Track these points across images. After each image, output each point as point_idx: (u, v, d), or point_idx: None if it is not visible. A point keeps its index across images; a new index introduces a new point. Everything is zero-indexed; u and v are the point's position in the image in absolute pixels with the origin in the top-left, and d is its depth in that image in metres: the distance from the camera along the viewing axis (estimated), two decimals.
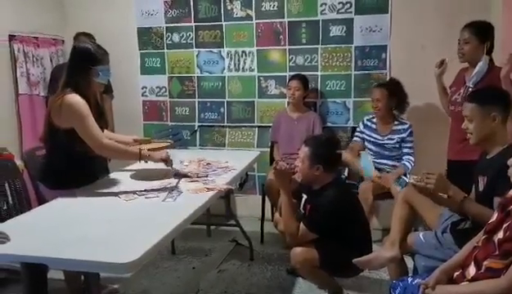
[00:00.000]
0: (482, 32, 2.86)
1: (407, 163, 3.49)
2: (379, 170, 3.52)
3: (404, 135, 3.54)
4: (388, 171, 3.53)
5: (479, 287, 1.66)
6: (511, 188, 1.75)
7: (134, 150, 2.55)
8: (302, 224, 2.53)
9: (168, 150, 2.66)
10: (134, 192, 2.38)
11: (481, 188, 2.17)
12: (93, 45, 2.50)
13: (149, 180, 2.59)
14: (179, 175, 2.65)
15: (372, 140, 3.65)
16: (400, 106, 3.59)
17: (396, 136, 3.56)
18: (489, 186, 2.10)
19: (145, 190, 2.40)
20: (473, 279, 1.71)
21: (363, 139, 3.70)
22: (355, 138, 3.75)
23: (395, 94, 3.55)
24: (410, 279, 2.04)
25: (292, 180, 2.68)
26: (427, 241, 2.31)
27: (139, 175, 2.72)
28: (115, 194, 2.35)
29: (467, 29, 2.90)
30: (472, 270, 1.74)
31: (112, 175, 2.81)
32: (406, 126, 3.56)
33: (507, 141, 2.14)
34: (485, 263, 1.68)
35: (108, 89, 3.87)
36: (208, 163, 2.99)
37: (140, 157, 2.51)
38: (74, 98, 2.36)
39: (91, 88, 2.47)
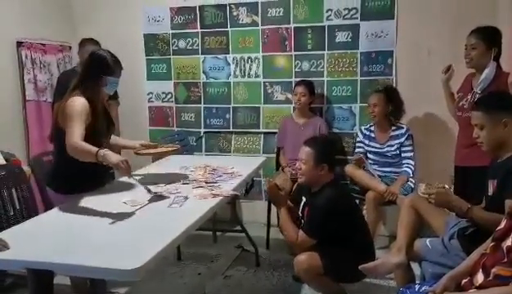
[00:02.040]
0: (489, 37, 2.84)
1: (407, 169, 3.47)
2: (382, 177, 3.51)
3: (402, 139, 3.52)
4: (393, 178, 3.52)
5: None
6: None
7: (92, 149, 2.28)
8: (300, 231, 2.55)
9: (127, 159, 2.36)
10: (142, 196, 2.38)
11: (490, 192, 2.16)
12: (110, 56, 2.51)
13: (155, 185, 2.59)
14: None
15: (373, 149, 3.64)
16: (396, 112, 3.58)
17: (395, 142, 3.54)
18: (498, 189, 2.09)
19: (151, 194, 2.40)
20: (482, 287, 1.70)
21: (365, 150, 3.68)
22: (357, 149, 3.73)
23: (392, 100, 3.55)
24: (417, 286, 2.03)
25: (285, 194, 2.75)
26: (434, 247, 2.30)
27: (145, 181, 2.72)
28: (122, 200, 2.35)
29: (474, 35, 2.87)
30: (480, 277, 1.72)
31: (118, 181, 2.82)
32: (403, 131, 3.54)
33: None
34: (493, 270, 1.66)
35: (114, 95, 3.89)
36: (214, 169, 2.99)
37: (96, 156, 2.25)
38: (77, 100, 2.37)
39: (99, 95, 2.49)
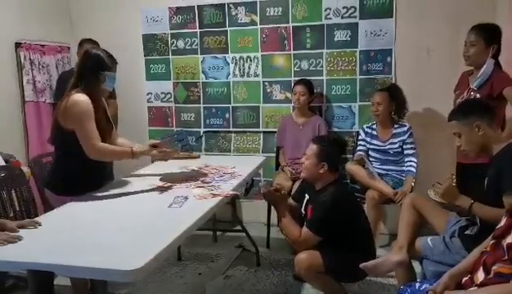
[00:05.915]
0: (489, 35, 2.82)
1: (411, 168, 3.46)
2: (383, 175, 3.51)
3: (405, 137, 3.53)
4: (394, 176, 3.53)
5: (488, 292, 1.65)
6: None
7: (126, 150, 2.55)
8: (304, 228, 2.53)
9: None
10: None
11: (485, 189, 2.17)
12: (104, 52, 2.54)
13: (155, 185, 2.59)
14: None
15: (375, 147, 3.64)
16: (399, 111, 3.58)
17: (397, 140, 3.54)
18: (489, 186, 2.12)
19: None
20: (482, 284, 1.70)
21: (367, 148, 3.68)
22: (359, 147, 3.72)
23: (395, 98, 3.55)
24: (418, 284, 2.02)
25: (283, 196, 2.73)
26: (435, 246, 2.30)
27: (145, 180, 2.72)
28: (121, 200, 2.35)
29: (474, 31, 2.86)
30: (480, 275, 1.72)
31: (117, 181, 2.82)
32: (405, 129, 3.55)
33: (502, 141, 2.18)
34: (494, 268, 1.66)
35: (112, 95, 3.88)
36: (213, 169, 2.98)
37: (132, 155, 2.53)
38: (80, 97, 2.39)
39: (99, 92, 2.52)
